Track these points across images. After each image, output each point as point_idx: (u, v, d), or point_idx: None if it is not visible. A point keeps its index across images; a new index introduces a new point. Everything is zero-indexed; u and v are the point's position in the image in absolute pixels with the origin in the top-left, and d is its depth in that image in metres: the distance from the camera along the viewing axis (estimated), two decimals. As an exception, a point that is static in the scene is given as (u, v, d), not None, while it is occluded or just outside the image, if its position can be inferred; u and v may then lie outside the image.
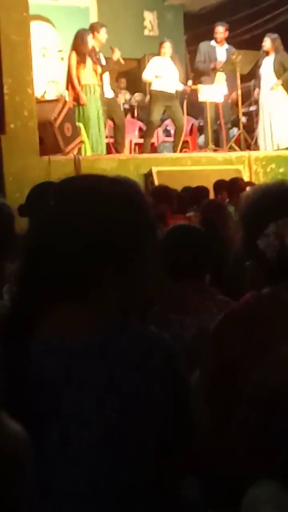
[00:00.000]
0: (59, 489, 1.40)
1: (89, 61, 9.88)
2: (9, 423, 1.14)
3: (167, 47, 10.78)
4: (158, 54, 10.86)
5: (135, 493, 1.44)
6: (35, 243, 1.51)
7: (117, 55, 10.32)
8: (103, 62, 10.11)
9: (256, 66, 11.18)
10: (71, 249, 1.45)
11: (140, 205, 1.54)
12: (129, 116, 12.68)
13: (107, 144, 10.53)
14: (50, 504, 1.40)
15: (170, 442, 1.49)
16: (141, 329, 1.53)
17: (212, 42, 11.44)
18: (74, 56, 9.91)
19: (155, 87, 10.67)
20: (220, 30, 11.38)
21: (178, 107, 10.83)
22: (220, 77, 11.17)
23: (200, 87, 11.09)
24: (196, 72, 12.04)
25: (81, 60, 9.83)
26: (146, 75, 10.84)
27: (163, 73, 10.64)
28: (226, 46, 11.42)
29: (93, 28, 10.28)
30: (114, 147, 10.86)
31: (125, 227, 1.48)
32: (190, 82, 11.28)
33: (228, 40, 11.65)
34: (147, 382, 1.44)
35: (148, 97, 11.23)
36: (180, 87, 10.86)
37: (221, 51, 11.36)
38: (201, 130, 12.30)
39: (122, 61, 10.40)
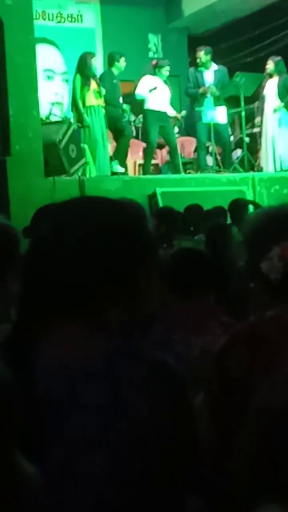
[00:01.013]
0: (63, 504, 1.39)
1: (93, 83, 9.98)
2: (24, 464, 1.14)
3: (167, 69, 10.86)
4: (153, 72, 10.93)
5: (139, 505, 1.43)
6: (31, 265, 1.52)
7: None
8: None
9: (260, 87, 11.25)
10: (67, 270, 1.44)
11: (137, 222, 1.53)
12: (133, 137, 12.73)
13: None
14: None
15: (175, 464, 1.48)
16: (145, 351, 1.52)
17: (200, 68, 11.50)
18: (78, 78, 10.01)
19: (148, 106, 10.72)
20: (199, 55, 11.44)
21: (171, 127, 10.89)
22: (208, 102, 11.22)
23: (203, 109, 11.16)
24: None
25: (85, 83, 9.92)
26: (140, 91, 10.88)
27: (158, 93, 10.71)
28: (214, 67, 11.45)
29: (111, 58, 10.50)
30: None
31: (120, 245, 1.46)
32: (183, 112, 11.35)
33: (231, 63, 11.72)
34: (151, 405, 1.43)
35: (141, 116, 11.27)
36: (172, 112, 10.94)
37: (209, 74, 11.40)
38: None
39: None
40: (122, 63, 10.61)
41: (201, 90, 11.29)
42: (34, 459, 1.18)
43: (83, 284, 1.44)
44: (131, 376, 1.44)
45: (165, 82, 10.87)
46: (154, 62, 11.24)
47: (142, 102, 10.91)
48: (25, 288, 1.52)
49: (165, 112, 10.75)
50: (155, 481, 1.44)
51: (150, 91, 10.63)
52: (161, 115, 10.70)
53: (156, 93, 10.68)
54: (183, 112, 11.57)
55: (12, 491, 1.10)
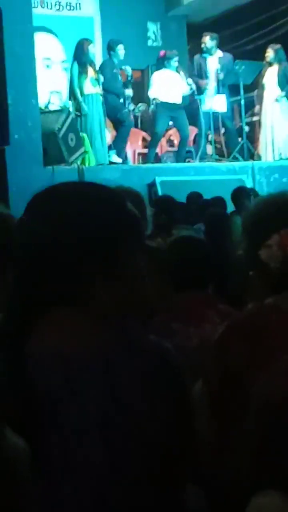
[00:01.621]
0: (63, 503, 1.38)
1: (90, 70, 9.93)
2: (10, 436, 1.14)
3: (176, 60, 10.80)
4: (162, 64, 10.88)
5: (139, 503, 1.43)
6: (19, 254, 1.51)
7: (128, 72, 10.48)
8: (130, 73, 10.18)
9: (260, 76, 11.22)
10: (53, 256, 1.42)
11: (118, 204, 1.50)
12: (133, 126, 12.70)
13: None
14: None
15: (174, 453, 1.47)
16: (142, 337, 1.51)
17: (204, 54, 11.47)
18: (75, 66, 9.98)
19: (161, 98, 10.70)
20: (204, 40, 11.41)
21: (184, 117, 10.85)
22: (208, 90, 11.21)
23: (202, 98, 11.14)
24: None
25: (82, 70, 9.88)
26: (153, 93, 10.89)
27: (168, 85, 10.66)
28: (219, 54, 11.41)
29: (110, 45, 10.48)
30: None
31: (102, 227, 1.44)
32: (190, 80, 11.29)
33: (230, 51, 11.67)
34: (149, 393, 1.43)
35: (152, 107, 11.25)
36: (187, 90, 10.89)
37: (213, 61, 11.37)
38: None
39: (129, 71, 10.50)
40: (121, 51, 10.56)
41: (202, 82, 11.26)
42: (32, 453, 1.17)
43: (65, 270, 1.42)
44: (130, 369, 1.42)
45: (176, 70, 10.84)
46: (162, 53, 11.18)
47: (143, 91, 10.90)
48: (15, 279, 1.51)
49: (178, 103, 10.70)
50: (155, 475, 1.43)
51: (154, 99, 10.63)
52: (172, 106, 10.67)
53: (166, 85, 10.65)
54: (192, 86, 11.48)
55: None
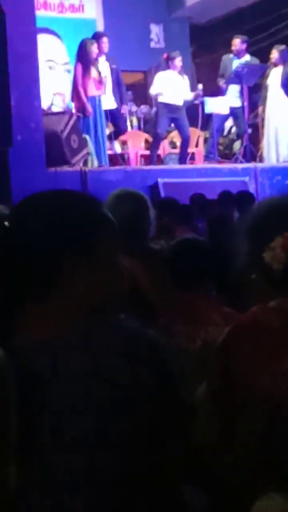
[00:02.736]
0: (56, 481, 1.43)
1: (94, 71, 9.92)
2: None
3: (179, 60, 10.79)
4: (166, 66, 10.86)
5: (132, 481, 1.46)
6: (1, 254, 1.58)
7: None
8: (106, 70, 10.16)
9: (263, 77, 11.20)
10: (27, 252, 1.53)
11: (92, 206, 1.63)
12: (135, 128, 12.71)
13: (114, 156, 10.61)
14: (49, 496, 1.42)
15: (162, 426, 1.52)
16: (122, 320, 1.59)
17: (233, 56, 11.49)
18: (79, 67, 9.96)
19: (162, 99, 10.69)
20: (235, 43, 11.40)
21: (185, 119, 10.84)
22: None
23: (207, 99, 11.13)
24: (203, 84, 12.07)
25: (86, 71, 9.86)
26: (153, 91, 10.87)
27: (170, 86, 10.65)
28: (247, 58, 11.42)
29: (96, 38, 10.37)
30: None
31: (78, 227, 1.56)
32: (200, 86, 11.26)
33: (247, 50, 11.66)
34: (133, 368, 1.49)
35: (154, 109, 11.23)
36: (189, 95, 10.87)
37: (238, 65, 11.38)
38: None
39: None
40: (105, 44, 10.45)
41: (220, 82, 11.29)
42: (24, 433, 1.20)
43: (45, 263, 1.53)
44: (110, 345, 1.50)
45: (179, 73, 10.82)
46: (165, 55, 11.15)
47: (145, 93, 10.89)
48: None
49: (179, 105, 10.68)
50: (144, 444, 1.48)
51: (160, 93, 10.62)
52: (173, 108, 10.66)
53: (168, 86, 10.64)
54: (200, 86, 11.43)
55: None
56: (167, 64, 10.85)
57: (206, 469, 1.80)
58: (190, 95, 10.89)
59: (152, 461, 1.50)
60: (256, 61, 11.52)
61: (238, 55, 11.40)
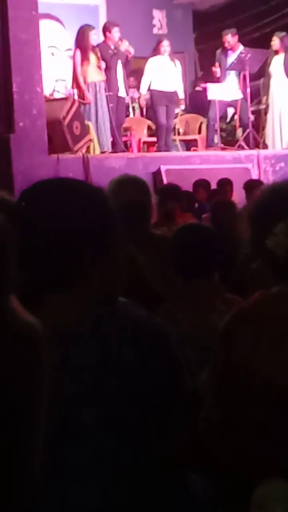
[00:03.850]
0: (63, 469, 1.43)
1: (93, 57, 9.86)
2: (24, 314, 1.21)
3: (166, 45, 10.68)
4: (156, 53, 10.76)
5: (139, 469, 1.47)
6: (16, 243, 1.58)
7: (124, 45, 10.26)
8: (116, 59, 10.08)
9: (265, 64, 11.16)
10: (48, 244, 1.54)
11: (104, 199, 1.65)
12: (138, 114, 12.67)
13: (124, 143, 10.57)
14: (56, 484, 1.42)
15: (169, 414, 1.53)
16: (130, 310, 1.61)
17: (227, 51, 11.41)
18: (78, 53, 9.91)
19: (155, 86, 10.61)
20: (227, 39, 11.29)
21: (174, 110, 10.78)
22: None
23: (209, 86, 11.09)
24: (204, 71, 12.04)
25: (85, 57, 9.81)
26: (144, 80, 10.80)
27: (162, 72, 10.59)
28: (240, 49, 11.34)
29: (106, 28, 10.30)
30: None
31: (93, 218, 1.58)
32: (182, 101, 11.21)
33: (238, 39, 11.57)
34: (141, 356, 1.51)
35: (147, 95, 11.10)
36: (181, 93, 10.83)
37: (233, 57, 11.32)
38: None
39: (132, 50, 10.30)
40: (116, 33, 10.37)
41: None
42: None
43: (64, 257, 1.54)
44: (119, 334, 1.52)
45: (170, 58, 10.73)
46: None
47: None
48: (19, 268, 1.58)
49: (172, 92, 10.63)
50: (151, 432, 1.48)
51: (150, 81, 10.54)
52: (167, 95, 10.60)
53: (160, 73, 10.58)
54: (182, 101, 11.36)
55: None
56: (156, 49, 10.76)
57: (209, 456, 1.80)
58: (181, 93, 10.83)
59: (159, 450, 1.51)
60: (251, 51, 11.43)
61: (233, 49, 11.30)
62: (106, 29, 10.28)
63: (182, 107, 11.44)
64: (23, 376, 1.21)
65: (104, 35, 10.33)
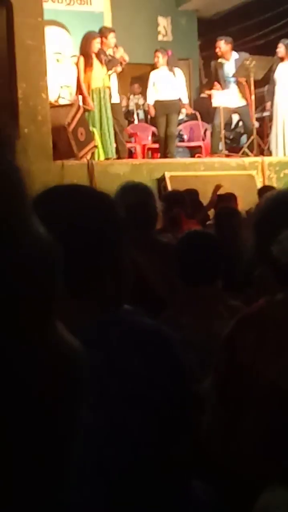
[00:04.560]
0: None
1: (97, 64, 9.88)
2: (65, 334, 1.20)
3: (159, 56, 10.75)
4: (154, 66, 10.84)
5: (142, 478, 1.47)
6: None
7: (120, 52, 10.29)
8: (113, 65, 10.09)
9: (270, 71, 11.17)
10: (65, 254, 1.51)
11: (116, 206, 1.68)
12: (142, 121, 12.70)
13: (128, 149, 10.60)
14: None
15: (173, 424, 1.53)
16: (136, 317, 1.61)
17: (220, 59, 11.41)
18: (81, 60, 9.94)
19: (156, 98, 10.73)
20: (218, 45, 11.30)
21: (175, 117, 10.82)
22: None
23: (214, 93, 11.11)
24: (209, 78, 12.06)
25: (88, 63, 9.83)
26: (148, 92, 10.90)
27: (160, 83, 10.65)
28: (235, 56, 11.36)
29: (102, 33, 10.32)
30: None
31: (108, 227, 1.59)
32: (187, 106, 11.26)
33: (241, 46, 11.59)
34: (145, 363, 1.50)
35: (152, 111, 11.11)
36: (185, 99, 10.86)
37: (230, 65, 11.33)
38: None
39: (127, 58, 10.32)
40: (110, 39, 10.41)
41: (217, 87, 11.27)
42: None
43: (80, 264, 1.52)
44: (125, 341, 1.52)
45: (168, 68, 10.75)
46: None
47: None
48: None
49: (172, 100, 10.67)
50: (155, 440, 1.48)
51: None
52: (166, 104, 10.65)
53: (159, 84, 10.63)
54: (186, 106, 11.38)
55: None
56: (156, 62, 10.84)
57: (212, 461, 1.80)
58: (184, 99, 10.86)
59: (162, 456, 1.51)
60: (245, 55, 11.42)
61: (224, 56, 11.32)
62: (102, 35, 10.29)
63: (184, 111, 11.42)
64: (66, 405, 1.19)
65: (100, 40, 10.36)
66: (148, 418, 1.49)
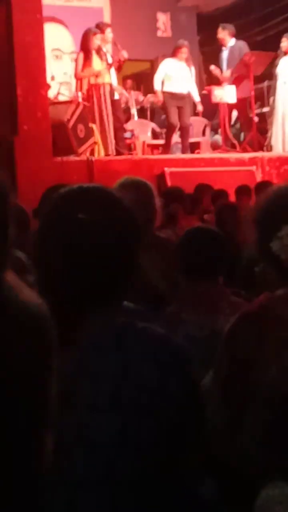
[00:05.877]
0: (74, 477, 1.43)
1: (96, 59, 9.87)
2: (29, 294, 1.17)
3: (185, 52, 10.74)
4: (173, 55, 10.81)
5: (149, 483, 1.46)
6: (58, 256, 1.55)
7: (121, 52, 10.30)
8: (110, 61, 10.08)
9: (272, 66, 11.14)
10: (100, 260, 1.53)
11: (132, 209, 1.65)
12: (142, 117, 12.68)
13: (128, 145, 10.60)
14: (65, 492, 1.42)
15: (184, 434, 1.52)
16: (151, 327, 1.60)
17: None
18: (81, 56, 9.92)
19: (167, 88, 10.65)
20: (218, 32, 11.34)
21: (188, 109, 10.81)
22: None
23: (213, 89, 11.10)
24: (208, 74, 12.05)
25: (88, 59, 9.82)
26: (156, 78, 10.83)
27: (175, 75, 10.62)
28: (231, 43, 11.36)
29: (98, 28, 10.31)
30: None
31: (132, 231, 1.59)
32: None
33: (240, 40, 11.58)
34: (161, 374, 1.49)
35: (150, 95, 11.10)
36: (196, 97, 10.87)
37: (225, 52, 11.35)
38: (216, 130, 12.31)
39: (125, 55, 10.29)
40: (107, 34, 10.40)
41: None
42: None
43: (113, 274, 1.54)
44: (141, 350, 1.51)
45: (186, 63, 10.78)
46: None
47: (152, 82, 10.85)
48: (52, 278, 1.56)
49: (183, 93, 10.67)
50: (164, 448, 1.47)
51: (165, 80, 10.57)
52: (178, 96, 10.63)
53: (173, 74, 10.61)
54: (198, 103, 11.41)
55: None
56: (174, 52, 10.81)
57: (214, 457, 1.80)
58: (196, 96, 10.86)
59: (172, 463, 1.50)
60: (242, 44, 11.42)
61: (222, 43, 11.36)
62: (99, 30, 10.28)
63: (200, 107, 11.39)
64: (28, 371, 1.17)
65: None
66: (160, 427, 1.48)
